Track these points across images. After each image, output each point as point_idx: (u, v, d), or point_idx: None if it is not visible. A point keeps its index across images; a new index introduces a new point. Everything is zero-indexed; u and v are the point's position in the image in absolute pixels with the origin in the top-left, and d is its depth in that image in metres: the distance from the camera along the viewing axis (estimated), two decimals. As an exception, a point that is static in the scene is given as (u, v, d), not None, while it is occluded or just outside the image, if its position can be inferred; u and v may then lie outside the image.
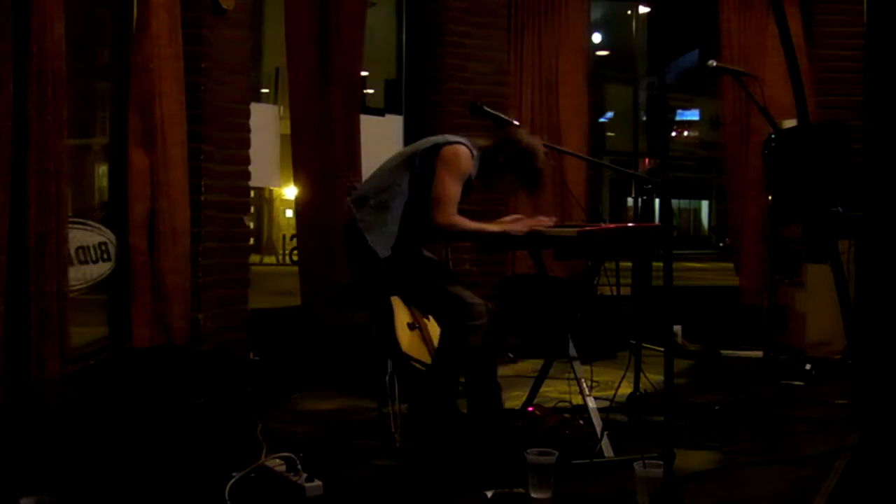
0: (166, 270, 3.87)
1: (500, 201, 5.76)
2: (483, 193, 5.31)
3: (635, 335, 4.02)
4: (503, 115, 3.71)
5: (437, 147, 3.41)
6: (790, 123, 5.15)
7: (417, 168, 3.41)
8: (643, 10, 8.33)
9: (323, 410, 4.14)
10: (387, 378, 3.60)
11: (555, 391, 4.05)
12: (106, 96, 4.26)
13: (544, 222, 3.55)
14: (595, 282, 3.81)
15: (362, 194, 3.51)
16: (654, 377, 3.87)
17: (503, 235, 3.49)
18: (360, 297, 3.79)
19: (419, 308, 4.20)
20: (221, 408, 3.22)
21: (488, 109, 3.64)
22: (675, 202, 5.08)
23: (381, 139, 5.30)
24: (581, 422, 3.37)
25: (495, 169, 3.51)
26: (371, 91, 7.19)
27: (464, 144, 3.42)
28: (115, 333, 3.98)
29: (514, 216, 3.72)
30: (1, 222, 3.03)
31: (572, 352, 3.49)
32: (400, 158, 3.53)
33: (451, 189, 3.35)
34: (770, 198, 5.25)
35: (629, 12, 10.07)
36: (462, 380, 3.52)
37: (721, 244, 24.86)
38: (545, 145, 3.91)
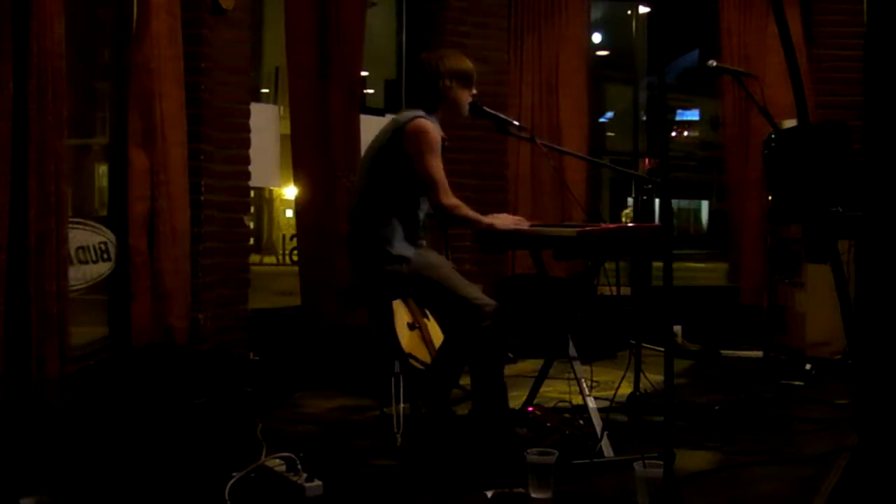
0: (166, 270, 3.87)
1: (500, 189, 5.78)
2: (481, 167, 5.27)
3: (635, 335, 4.02)
4: (503, 115, 3.70)
5: (399, 133, 3.35)
6: (790, 123, 5.15)
7: (390, 162, 3.37)
8: (643, 10, 8.30)
9: (323, 410, 4.14)
10: (392, 377, 3.58)
11: (555, 391, 4.05)
12: (106, 96, 4.26)
13: (523, 224, 3.52)
14: (595, 282, 3.81)
15: (355, 210, 3.48)
16: (654, 377, 3.87)
17: (490, 229, 3.43)
18: (372, 295, 3.72)
19: (426, 307, 4.18)
20: (221, 408, 3.22)
21: (488, 110, 3.63)
22: (675, 202, 5.08)
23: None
24: (581, 422, 3.37)
25: (442, 95, 3.48)
26: (371, 91, 7.19)
27: (418, 117, 3.37)
28: (115, 333, 3.98)
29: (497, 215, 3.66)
30: (1, 222, 3.03)
31: (572, 352, 3.49)
32: (370, 160, 3.48)
33: (436, 168, 3.33)
34: (770, 198, 5.25)
35: (629, 12, 10.03)
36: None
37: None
38: (544, 145, 3.91)
